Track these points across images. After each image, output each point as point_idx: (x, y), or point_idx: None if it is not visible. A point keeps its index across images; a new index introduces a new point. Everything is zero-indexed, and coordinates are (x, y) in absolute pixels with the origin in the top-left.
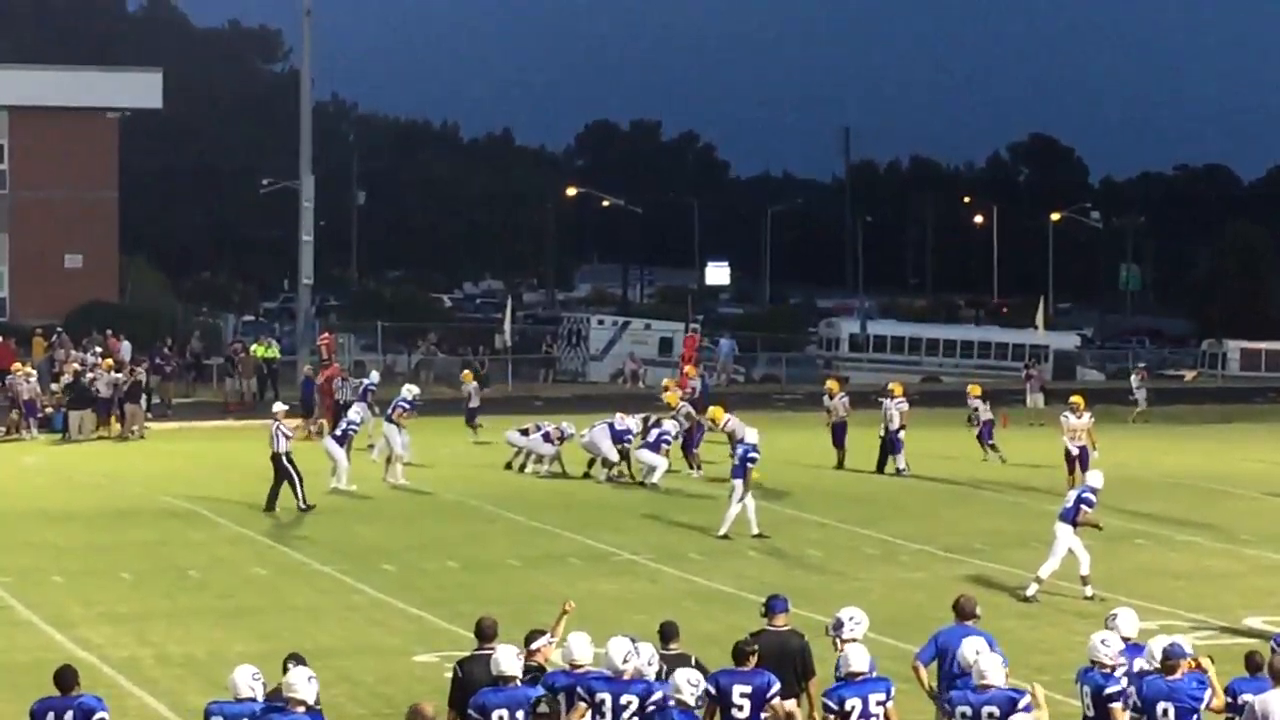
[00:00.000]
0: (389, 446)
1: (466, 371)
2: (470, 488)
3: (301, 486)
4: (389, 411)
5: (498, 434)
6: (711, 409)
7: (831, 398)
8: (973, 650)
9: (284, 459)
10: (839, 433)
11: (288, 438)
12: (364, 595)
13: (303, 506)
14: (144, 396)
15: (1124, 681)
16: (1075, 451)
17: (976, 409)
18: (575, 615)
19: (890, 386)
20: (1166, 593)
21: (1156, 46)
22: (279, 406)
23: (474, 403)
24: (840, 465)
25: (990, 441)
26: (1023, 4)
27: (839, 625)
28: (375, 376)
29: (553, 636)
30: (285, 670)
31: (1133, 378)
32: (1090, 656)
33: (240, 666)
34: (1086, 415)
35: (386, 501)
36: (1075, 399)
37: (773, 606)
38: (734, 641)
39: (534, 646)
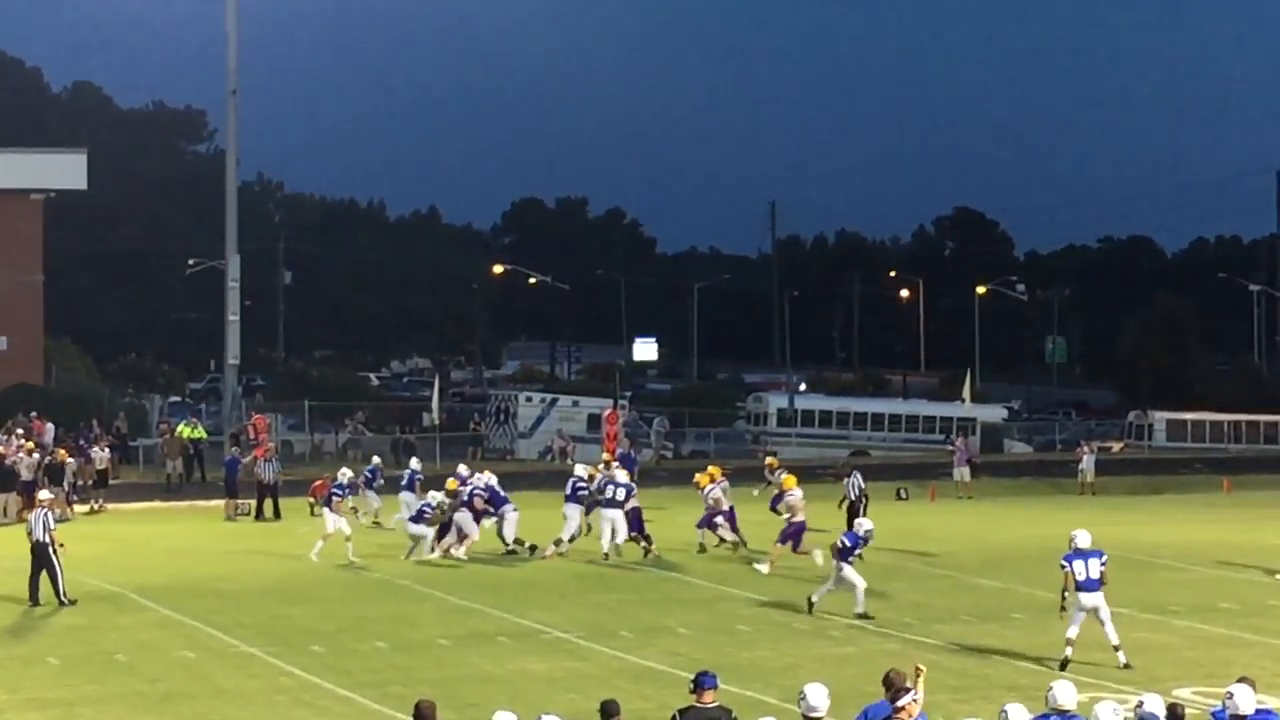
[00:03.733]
0: (345, 528)
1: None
2: (398, 567)
3: (61, 579)
4: (328, 499)
5: None
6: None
7: (702, 487)
8: None
9: (48, 548)
10: (731, 517)
11: (50, 526)
12: (293, 677)
13: (63, 601)
14: (66, 479)
15: None
16: None
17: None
18: (506, 694)
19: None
20: (1097, 664)
21: (1079, 120)
22: (45, 495)
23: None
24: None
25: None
26: (946, 79)
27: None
28: (376, 462)
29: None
30: None
31: (1081, 448)
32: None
33: None
34: None
35: (314, 582)
36: None
37: (701, 683)
38: None
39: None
